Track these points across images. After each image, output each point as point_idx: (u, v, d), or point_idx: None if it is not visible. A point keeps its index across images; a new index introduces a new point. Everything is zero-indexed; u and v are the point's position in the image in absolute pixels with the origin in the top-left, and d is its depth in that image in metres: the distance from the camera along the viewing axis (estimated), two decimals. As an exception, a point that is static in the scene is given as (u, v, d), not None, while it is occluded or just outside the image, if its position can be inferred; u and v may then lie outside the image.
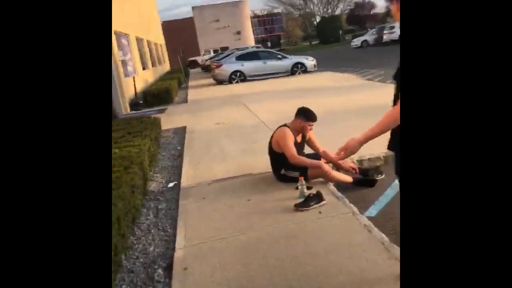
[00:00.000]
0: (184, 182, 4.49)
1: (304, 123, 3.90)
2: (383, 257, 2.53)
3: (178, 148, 6.24)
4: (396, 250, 2.59)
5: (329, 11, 61.92)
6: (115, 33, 10.97)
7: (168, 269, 2.76)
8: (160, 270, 2.77)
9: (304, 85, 12.54)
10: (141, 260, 2.94)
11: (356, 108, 7.45)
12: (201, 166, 5.05)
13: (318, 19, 61.32)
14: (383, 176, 4.10)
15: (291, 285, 2.36)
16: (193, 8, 53.60)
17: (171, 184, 4.52)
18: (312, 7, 64.17)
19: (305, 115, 3.92)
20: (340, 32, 52.83)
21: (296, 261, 2.60)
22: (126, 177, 3.36)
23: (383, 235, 2.81)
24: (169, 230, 3.38)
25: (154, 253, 3.02)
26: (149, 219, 3.63)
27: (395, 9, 1.80)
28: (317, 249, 2.73)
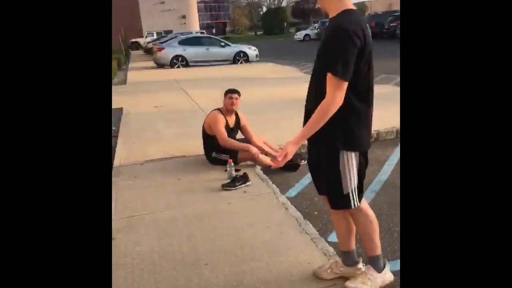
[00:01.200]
0: (117, 161, 4.56)
1: (226, 100, 4.16)
2: (296, 231, 2.85)
3: (114, 128, 6.23)
4: (308, 225, 2.92)
5: (276, 2, 62.66)
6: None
7: (96, 240, 2.89)
8: (87, 242, 2.88)
9: (244, 74, 12.80)
10: (69, 232, 3.03)
11: (291, 99, 7.84)
12: (135, 146, 5.13)
13: (264, 9, 61.79)
14: (305, 162, 4.45)
15: (213, 253, 2.60)
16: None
17: (103, 163, 4.56)
18: (259, -4, 64.53)
19: (225, 92, 4.19)
20: (285, 24, 53.70)
21: (219, 234, 2.85)
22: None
23: (298, 213, 3.14)
24: (99, 205, 3.47)
25: (82, 227, 3.12)
26: (79, 195, 3.69)
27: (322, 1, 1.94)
28: (239, 223, 3.00)
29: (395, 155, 4.66)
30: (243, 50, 16.88)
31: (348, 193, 2.01)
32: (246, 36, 61.94)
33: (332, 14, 1.88)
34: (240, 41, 25.17)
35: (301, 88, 10.55)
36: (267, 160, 4.20)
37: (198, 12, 59.41)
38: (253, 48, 17.25)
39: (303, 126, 1.98)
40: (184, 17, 52.57)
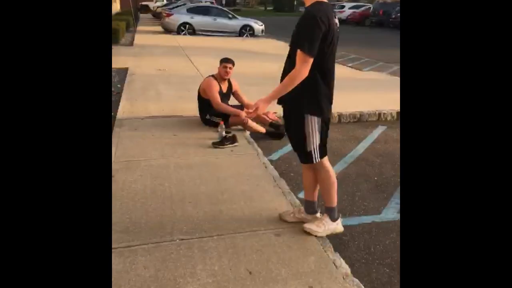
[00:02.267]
0: (119, 114, 4.98)
1: (220, 68, 4.54)
2: (270, 185, 3.30)
3: (118, 86, 6.62)
4: (282, 181, 3.37)
5: (289, -21, 61.66)
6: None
7: (98, 176, 3.33)
8: (90, 176, 3.33)
9: (248, 47, 13.06)
10: (75, 168, 3.48)
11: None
12: (137, 103, 5.53)
13: (277, -15, 60.81)
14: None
15: (197, 195, 3.05)
16: None
17: (107, 115, 4.98)
18: (274, -28, 63.34)
19: (220, 61, 4.56)
20: (295, 3, 53.06)
21: (204, 181, 3.30)
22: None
23: (275, 172, 3.58)
24: (101, 149, 3.91)
25: (86, 164, 3.56)
26: (84, 139, 4.12)
27: None
28: (222, 174, 3.44)
29: (373, 135, 5.09)
30: (250, 24, 17.05)
31: (311, 151, 2.45)
32: (255, 11, 61.27)
33: (307, 4, 2.32)
34: (248, 15, 25.18)
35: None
36: (255, 126, 4.62)
37: (210, -20, 58.42)
38: (260, 23, 17.40)
39: None
40: (195, -16, 51.76)
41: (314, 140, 2.43)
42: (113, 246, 2.37)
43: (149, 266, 2.23)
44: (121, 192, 3.05)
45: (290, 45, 2.39)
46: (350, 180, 3.76)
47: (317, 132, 2.42)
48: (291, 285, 2.13)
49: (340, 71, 9.48)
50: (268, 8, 62.24)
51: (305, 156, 2.50)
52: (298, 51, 2.23)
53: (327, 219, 2.62)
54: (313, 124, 2.39)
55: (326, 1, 2.31)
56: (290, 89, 2.31)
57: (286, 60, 2.46)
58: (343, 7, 31.45)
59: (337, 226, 2.65)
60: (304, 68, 2.24)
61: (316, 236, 2.56)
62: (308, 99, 2.36)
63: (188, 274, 2.18)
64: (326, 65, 2.33)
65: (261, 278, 2.18)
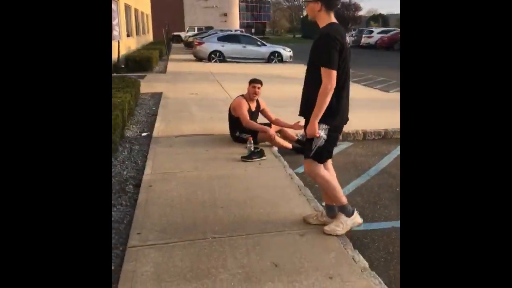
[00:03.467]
0: (155, 133, 5.37)
1: (250, 88, 4.87)
2: (296, 193, 3.53)
3: (153, 108, 7.08)
4: (306, 190, 3.59)
5: (317, 7, 63.00)
6: (105, -3, 11.51)
7: (137, 186, 3.67)
8: (131, 186, 3.68)
9: (276, 73, 13.49)
10: (117, 179, 3.83)
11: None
12: (171, 124, 5.93)
13: (304, 13, 62.18)
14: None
15: (227, 201, 3.32)
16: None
17: (144, 134, 5.40)
18: (301, 0, 64.99)
19: (249, 81, 4.89)
20: (324, 29, 53.83)
21: (234, 190, 3.56)
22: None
23: (301, 182, 3.81)
24: (139, 163, 4.28)
25: (126, 176, 3.92)
26: (124, 155, 4.51)
27: (310, 9, 2.60)
28: (251, 184, 3.70)
29: (397, 151, 5.24)
30: (278, 50, 17.58)
31: (313, 152, 2.71)
32: (284, 38, 62.59)
33: (321, 25, 2.60)
34: (278, 42, 25.90)
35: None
36: (282, 142, 4.88)
37: (240, 11, 60.47)
38: (288, 49, 17.90)
39: (301, 106, 2.73)
40: (225, 15, 53.71)
41: (318, 143, 2.68)
42: (152, 243, 2.66)
43: (185, 259, 2.49)
44: (158, 199, 3.36)
45: (310, 64, 2.66)
46: (372, 190, 3.93)
47: (322, 138, 2.65)
48: (312, 276, 2.33)
49: (367, 92, 9.70)
50: (296, 36, 63.45)
51: (309, 154, 2.75)
52: (322, 69, 2.50)
53: (343, 216, 2.81)
54: (322, 130, 2.64)
55: (337, 22, 2.60)
56: (327, 104, 2.54)
57: (306, 77, 2.73)
58: (371, 32, 31.78)
59: (355, 220, 2.84)
60: (330, 81, 2.50)
61: (337, 235, 2.76)
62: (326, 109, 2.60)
63: (220, 266, 2.42)
64: (340, 80, 2.58)
65: (285, 270, 2.39)
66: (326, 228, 2.81)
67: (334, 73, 2.50)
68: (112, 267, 2.46)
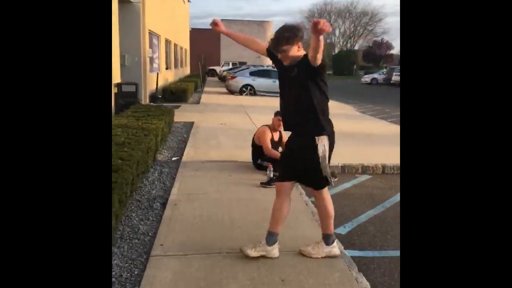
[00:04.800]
0: (184, 158, 5.75)
1: (274, 119, 5.18)
2: (309, 218, 3.74)
3: (185, 136, 7.52)
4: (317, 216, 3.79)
5: (349, 45, 64.02)
6: (149, 32, 12.40)
7: (164, 204, 3.99)
8: (158, 204, 4.00)
9: (305, 108, 13.84)
10: (146, 196, 4.18)
11: (339, 132, 8.70)
12: (199, 150, 6.31)
13: (336, 51, 63.18)
14: (335, 179, 5.31)
15: (244, 222, 3.57)
16: (222, 20, 54.62)
17: (174, 158, 5.78)
18: (333, 38, 66.23)
19: (275, 113, 5.21)
20: (355, 67, 54.42)
21: (251, 212, 3.82)
22: (144, 139, 4.63)
23: (315, 209, 4.00)
24: (168, 184, 4.62)
25: (155, 195, 4.26)
26: (154, 176, 4.88)
27: (292, 51, 2.72)
28: (268, 208, 3.90)
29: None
30: (308, 86, 17.99)
31: (326, 175, 2.90)
32: (316, 74, 63.27)
33: (298, 55, 2.77)
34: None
35: (349, 123, 11.38)
36: (302, 172, 5.11)
37: (274, 47, 61.85)
38: (318, 85, 18.28)
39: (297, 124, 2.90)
40: (259, 51, 54.99)
41: (327, 164, 2.86)
42: (172, 254, 2.94)
43: (200, 269, 2.75)
44: (181, 217, 3.66)
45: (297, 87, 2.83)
46: (385, 222, 4.07)
47: (327, 153, 2.84)
48: (315, 291, 2.53)
49: (391, 128, 9.82)
50: (328, 72, 63.94)
51: (319, 181, 2.90)
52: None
53: (323, 244, 2.98)
54: (324, 143, 2.82)
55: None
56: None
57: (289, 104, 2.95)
58: (392, 69, 32.47)
59: (332, 249, 2.98)
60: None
61: (311, 257, 2.93)
62: (314, 122, 2.81)
63: (231, 277, 2.66)
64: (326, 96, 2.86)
65: (291, 285, 2.60)
66: (302, 248, 3.01)
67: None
68: (136, 272, 2.74)
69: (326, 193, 3.00)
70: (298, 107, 2.86)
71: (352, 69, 53.80)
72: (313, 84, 2.77)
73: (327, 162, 2.87)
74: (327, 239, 3.00)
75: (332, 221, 3.00)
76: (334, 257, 2.96)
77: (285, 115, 3.03)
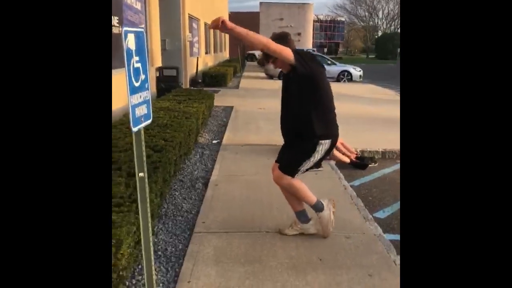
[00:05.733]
0: (224, 141, 5.88)
1: None
2: (347, 202, 3.76)
3: (224, 120, 7.65)
4: (358, 200, 3.81)
5: (392, 27, 61.80)
6: (189, 16, 12.57)
7: (205, 184, 4.13)
8: (200, 184, 4.15)
9: (344, 91, 13.61)
10: (188, 177, 4.34)
11: (379, 117, 8.55)
12: (239, 134, 6.42)
13: (379, 33, 61.22)
14: (376, 164, 5.27)
15: (283, 203, 3.64)
16: (261, 3, 55.24)
17: (215, 141, 5.93)
18: (376, 20, 64.25)
19: None
20: (398, 50, 52.58)
21: (290, 194, 3.89)
22: (186, 122, 4.78)
23: (354, 192, 4.02)
24: (209, 165, 4.76)
25: (197, 175, 4.41)
26: (196, 158, 5.04)
27: (279, 64, 2.71)
28: (306, 191, 4.00)
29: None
30: (348, 69, 17.71)
31: (299, 170, 2.99)
32: (357, 58, 61.95)
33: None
34: (350, 62, 25.90)
35: (391, 109, 11.12)
36: (341, 156, 5.11)
37: (313, 30, 61.13)
38: (358, 69, 17.95)
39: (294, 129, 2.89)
40: (299, 34, 54.54)
41: (309, 165, 2.90)
42: (214, 231, 3.07)
43: (241, 246, 2.86)
44: (223, 196, 3.79)
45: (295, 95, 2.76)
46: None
47: (318, 159, 2.89)
48: (353, 272, 2.57)
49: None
50: (370, 56, 62.43)
51: (290, 169, 2.95)
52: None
53: (297, 221, 3.05)
54: (325, 149, 2.85)
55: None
56: (256, 41, 2.54)
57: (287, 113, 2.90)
58: None
59: (310, 227, 3.04)
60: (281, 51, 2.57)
61: (287, 235, 3.01)
62: (313, 127, 2.75)
63: (271, 255, 2.75)
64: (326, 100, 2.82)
65: (329, 264, 2.66)
66: (281, 228, 3.08)
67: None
68: (180, 247, 2.89)
69: (287, 179, 2.97)
70: (295, 114, 2.83)
71: (396, 53, 52.02)
72: (307, 87, 2.71)
73: (311, 165, 2.92)
74: (301, 217, 3.05)
75: (300, 197, 3.01)
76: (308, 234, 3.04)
77: (283, 123, 3.00)
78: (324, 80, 2.80)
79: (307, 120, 2.74)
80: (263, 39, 2.58)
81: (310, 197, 3.00)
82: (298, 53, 2.65)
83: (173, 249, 2.87)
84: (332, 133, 2.87)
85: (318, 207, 3.01)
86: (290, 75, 2.75)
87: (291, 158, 2.94)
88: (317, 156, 2.87)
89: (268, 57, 2.77)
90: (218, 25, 2.47)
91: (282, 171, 2.96)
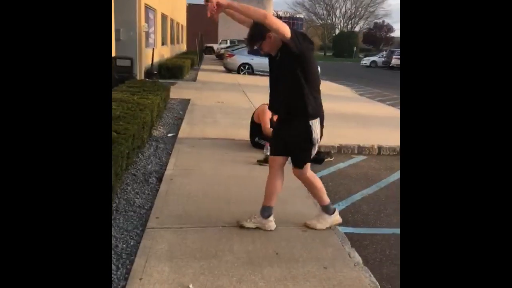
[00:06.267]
0: (180, 134, 5.74)
1: None
2: (304, 195, 3.75)
3: (180, 113, 7.48)
4: (314, 194, 3.82)
5: (349, 26, 63.35)
6: (145, 6, 12.18)
7: (160, 178, 4.00)
8: (154, 178, 4.01)
9: (303, 88, 13.79)
10: (142, 171, 4.19)
11: (335, 113, 8.70)
12: (196, 127, 6.29)
13: (337, 32, 62.58)
14: (332, 159, 5.34)
15: (240, 198, 3.60)
16: (219, -4, 54.46)
17: (170, 134, 5.77)
18: (334, 19, 65.58)
19: None
20: (355, 49, 54.03)
21: (248, 188, 3.84)
22: (140, 114, 4.60)
23: (311, 187, 4.04)
24: (163, 159, 4.62)
25: (151, 170, 4.26)
26: (150, 151, 4.88)
27: (266, 46, 2.72)
28: (263, 185, 3.96)
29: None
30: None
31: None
32: (315, 55, 62.83)
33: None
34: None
35: (347, 105, 11.38)
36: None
37: (273, 26, 61.08)
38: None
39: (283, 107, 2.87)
40: (258, 29, 54.27)
41: (316, 146, 2.91)
42: (168, 226, 2.97)
43: (196, 242, 2.78)
44: (178, 190, 3.68)
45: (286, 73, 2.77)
46: (379, 200, 4.12)
47: (319, 136, 2.86)
48: (309, 265, 2.57)
49: (388, 111, 9.83)
50: (327, 54, 63.65)
51: (306, 160, 2.96)
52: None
53: (325, 215, 3.08)
54: (317, 126, 2.82)
55: None
56: (255, 13, 2.54)
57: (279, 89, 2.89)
58: (392, 52, 32.29)
59: (335, 218, 3.11)
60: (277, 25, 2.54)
61: (316, 229, 3.04)
62: (304, 105, 2.75)
63: (227, 250, 2.70)
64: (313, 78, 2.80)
65: (285, 257, 2.64)
66: (308, 222, 3.10)
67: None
68: (131, 243, 2.77)
69: (308, 169, 3.03)
70: (286, 91, 2.83)
71: (352, 51, 53.43)
72: (298, 66, 2.70)
73: (317, 144, 2.91)
74: (327, 210, 3.07)
75: (323, 192, 3.07)
76: (339, 224, 3.13)
77: (273, 101, 2.98)
78: (314, 62, 2.82)
79: (298, 99, 2.75)
80: (262, 10, 2.59)
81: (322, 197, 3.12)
82: (294, 31, 2.65)
83: (124, 245, 2.74)
84: (319, 113, 2.87)
85: (328, 209, 3.11)
86: (277, 57, 2.77)
87: (298, 153, 2.97)
88: (314, 135, 2.82)
89: (254, 41, 2.76)
90: (214, 8, 2.56)
91: (298, 167, 3.03)
